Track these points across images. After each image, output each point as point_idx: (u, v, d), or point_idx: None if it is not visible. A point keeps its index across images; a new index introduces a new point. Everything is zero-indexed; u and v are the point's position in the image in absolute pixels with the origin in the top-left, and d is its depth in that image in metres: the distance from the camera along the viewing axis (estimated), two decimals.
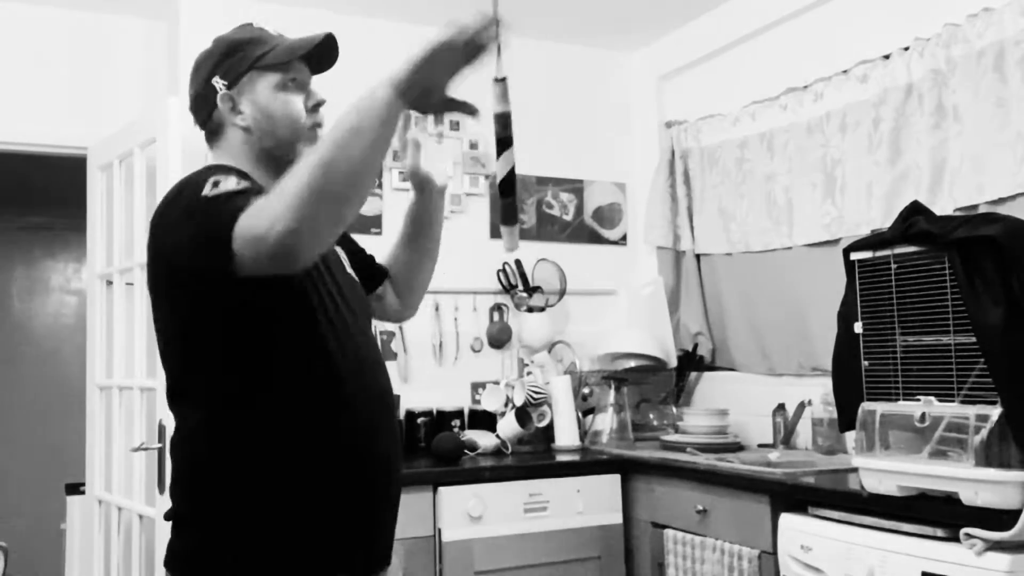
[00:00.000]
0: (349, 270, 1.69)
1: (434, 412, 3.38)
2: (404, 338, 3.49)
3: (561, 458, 3.14)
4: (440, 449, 3.08)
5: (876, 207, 2.82)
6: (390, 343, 3.47)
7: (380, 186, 3.51)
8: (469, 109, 1.39)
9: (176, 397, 1.51)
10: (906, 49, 2.76)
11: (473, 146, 3.67)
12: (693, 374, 3.63)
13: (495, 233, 3.67)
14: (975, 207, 2.51)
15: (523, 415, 3.25)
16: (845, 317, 2.35)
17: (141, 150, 3.02)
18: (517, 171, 1.52)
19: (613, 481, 3.03)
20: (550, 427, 3.37)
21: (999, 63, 2.49)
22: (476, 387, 3.57)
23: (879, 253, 2.27)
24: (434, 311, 3.54)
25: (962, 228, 2.07)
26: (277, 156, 1.55)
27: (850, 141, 2.94)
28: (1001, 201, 2.46)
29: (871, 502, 2.12)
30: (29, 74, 3.32)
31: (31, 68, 3.33)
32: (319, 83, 1.66)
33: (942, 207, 2.57)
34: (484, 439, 3.22)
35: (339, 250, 1.70)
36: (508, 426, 3.23)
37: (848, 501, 2.20)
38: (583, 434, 3.44)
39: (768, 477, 2.47)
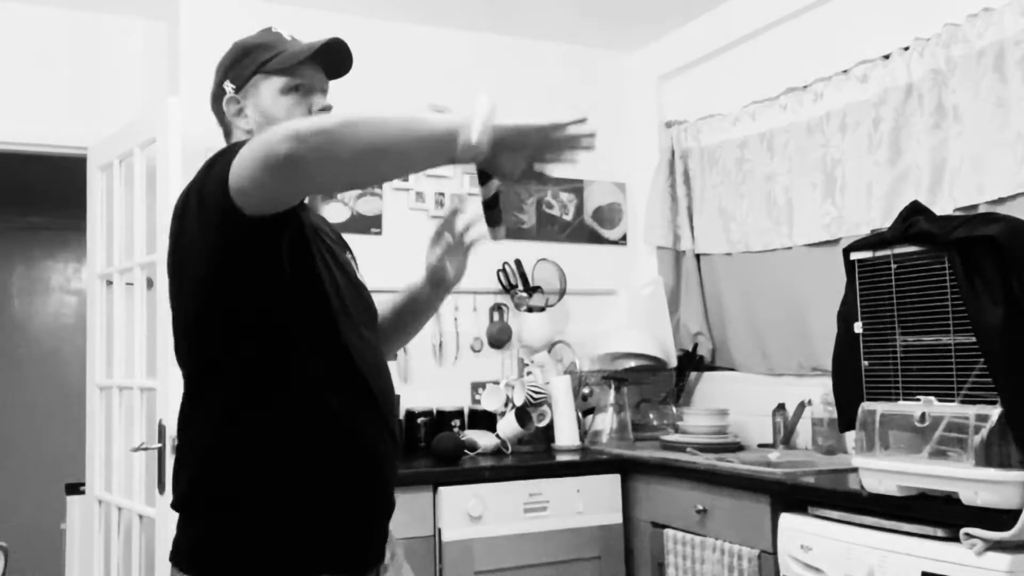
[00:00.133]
0: (360, 276, 1.72)
1: (434, 412, 3.38)
2: None
3: (561, 458, 3.14)
4: (440, 449, 3.09)
5: (876, 207, 2.82)
6: None
7: (380, 186, 3.51)
8: (543, 179, 1.39)
9: (191, 395, 1.52)
10: (906, 49, 2.76)
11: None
12: (693, 374, 3.62)
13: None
14: (975, 207, 2.51)
15: (523, 415, 3.25)
16: (845, 317, 2.35)
17: (141, 150, 3.02)
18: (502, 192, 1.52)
19: (613, 481, 3.03)
20: (550, 427, 3.37)
21: (999, 63, 2.49)
22: (476, 387, 3.57)
23: (879, 253, 2.27)
24: None
25: (962, 228, 2.07)
26: None
27: (850, 141, 2.94)
28: (1001, 201, 2.46)
29: (871, 502, 2.12)
30: (29, 74, 3.32)
31: (31, 68, 3.33)
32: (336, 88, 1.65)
33: (942, 207, 2.57)
34: (484, 439, 3.22)
35: (350, 256, 1.73)
36: (508, 426, 3.23)
37: (848, 501, 2.20)
38: (583, 434, 3.44)
39: (768, 477, 2.47)
